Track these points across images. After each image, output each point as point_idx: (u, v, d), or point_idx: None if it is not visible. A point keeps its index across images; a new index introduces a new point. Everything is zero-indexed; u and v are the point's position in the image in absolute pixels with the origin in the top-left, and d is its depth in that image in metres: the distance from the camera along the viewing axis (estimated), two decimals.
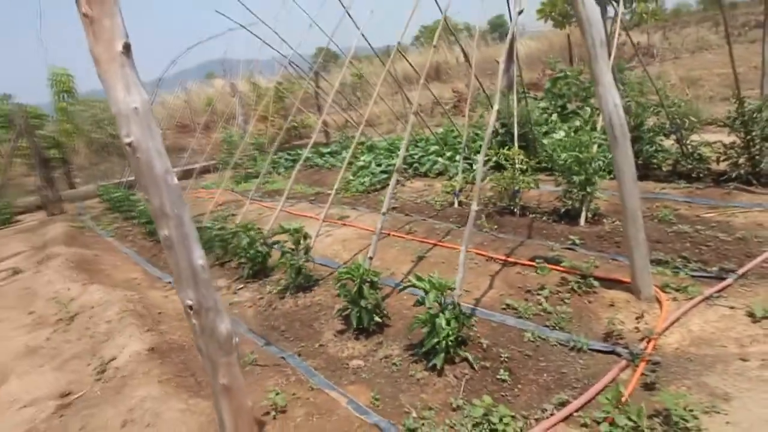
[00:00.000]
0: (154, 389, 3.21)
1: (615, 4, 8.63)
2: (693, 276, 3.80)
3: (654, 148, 6.65)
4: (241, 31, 9.43)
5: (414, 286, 3.27)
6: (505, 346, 3.25)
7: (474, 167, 7.60)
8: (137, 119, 1.58)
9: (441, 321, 3.05)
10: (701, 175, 6.18)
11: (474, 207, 3.47)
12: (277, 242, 5.12)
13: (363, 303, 3.58)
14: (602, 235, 4.79)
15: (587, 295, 3.70)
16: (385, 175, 8.35)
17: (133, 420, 2.98)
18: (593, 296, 3.67)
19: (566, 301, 3.66)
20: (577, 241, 4.71)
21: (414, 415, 2.74)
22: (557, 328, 3.35)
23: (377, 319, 3.65)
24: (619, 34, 6.48)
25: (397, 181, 8.26)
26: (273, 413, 2.87)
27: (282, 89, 14.99)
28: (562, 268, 4.04)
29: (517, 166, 5.70)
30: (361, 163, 9.03)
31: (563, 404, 2.64)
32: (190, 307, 1.70)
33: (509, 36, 7.69)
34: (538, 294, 3.79)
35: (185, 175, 11.30)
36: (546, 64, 13.44)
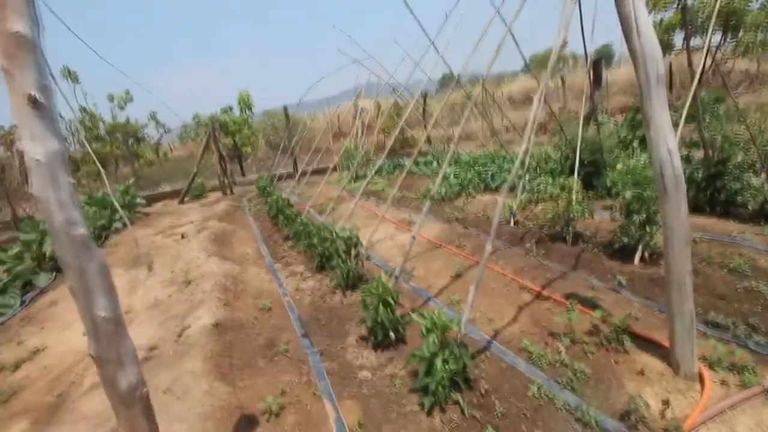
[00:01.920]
0: (197, 364, 3.00)
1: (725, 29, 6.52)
2: (755, 353, 2.49)
3: (740, 185, 4.84)
4: (365, 62, 9.13)
5: (417, 320, 2.56)
6: (505, 396, 2.40)
7: (540, 187, 6.36)
8: (39, 171, 1.19)
9: (437, 363, 2.33)
10: None
11: (489, 248, 2.59)
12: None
13: (379, 319, 2.96)
14: (655, 279, 3.49)
15: (616, 353, 2.62)
16: (459, 187, 7.44)
17: (171, 390, 2.78)
18: (622, 357, 2.59)
19: (590, 355, 2.63)
20: (624, 282, 3.50)
21: None
22: (569, 387, 2.39)
23: (392, 336, 3.01)
24: (710, 66, 4.75)
25: (468, 194, 7.35)
26: (267, 415, 2.45)
27: (395, 109, 14.56)
28: (593, 313, 2.97)
29: (573, 196, 4.49)
30: (443, 173, 8.20)
31: None
32: (92, 357, 1.27)
33: (588, 63, 6.26)
34: (561, 340, 2.80)
35: (320, 171, 11.62)
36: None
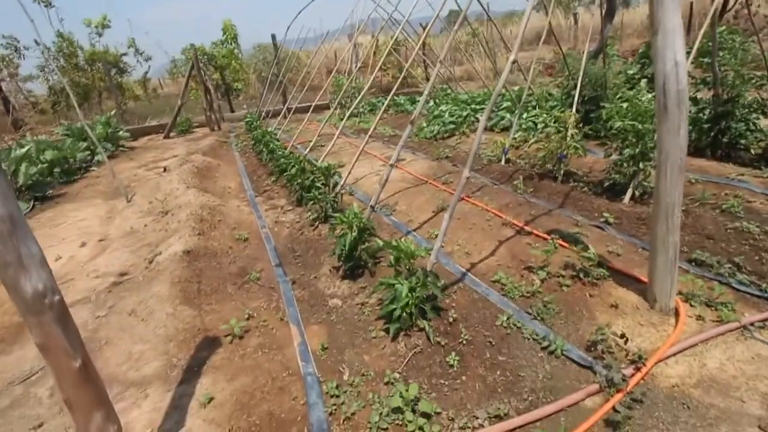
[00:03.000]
0: (164, 289, 2.91)
1: None
2: (737, 291, 2.40)
3: (746, 126, 4.55)
4: None
5: (385, 248, 2.42)
6: (473, 325, 2.34)
7: (538, 126, 6.04)
8: None
9: (402, 289, 2.23)
10: None
11: (466, 173, 2.39)
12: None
13: (349, 247, 2.84)
14: (643, 218, 3.34)
15: (592, 287, 2.53)
16: (453, 126, 7.08)
17: (136, 312, 2.72)
18: (597, 290, 2.50)
19: (564, 288, 2.54)
20: (611, 220, 3.35)
21: (345, 377, 2.06)
22: (539, 318, 2.32)
23: (363, 264, 2.90)
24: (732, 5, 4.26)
25: (463, 133, 7.02)
26: (230, 337, 2.39)
27: (395, 44, 13.58)
28: (571, 248, 2.85)
29: (569, 131, 4.22)
30: (437, 112, 7.78)
31: (499, 418, 1.75)
32: None
33: None
34: (537, 273, 2.70)
35: (314, 109, 11.06)
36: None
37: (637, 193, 3.68)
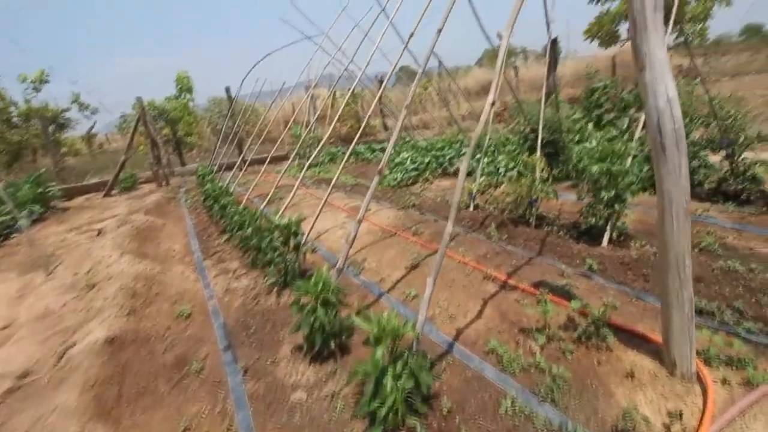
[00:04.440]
0: (72, 397, 2.23)
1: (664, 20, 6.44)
2: (750, 343, 2.16)
3: (698, 163, 4.70)
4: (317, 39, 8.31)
5: (362, 326, 1.97)
6: (472, 416, 1.88)
7: (500, 171, 6.00)
8: None
9: (387, 381, 1.76)
10: (752, 197, 4.23)
11: (449, 228, 2.05)
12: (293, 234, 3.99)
13: (317, 324, 2.35)
14: (627, 263, 3.14)
15: (598, 351, 2.19)
16: (415, 173, 6.94)
17: None
18: (606, 355, 2.16)
19: (568, 355, 2.18)
20: (595, 267, 3.12)
21: None
22: (549, 399, 1.92)
23: (334, 344, 2.41)
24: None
25: (426, 179, 6.87)
26: None
27: (352, 98, 13.84)
28: (570, 304, 2.53)
29: (537, 174, 4.10)
30: (398, 160, 7.66)
31: None
32: None
33: (547, 48, 5.96)
34: (534, 338, 2.34)
35: (271, 160, 10.64)
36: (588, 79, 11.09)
37: (614, 236, 3.53)
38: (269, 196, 5.92)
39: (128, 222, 6.27)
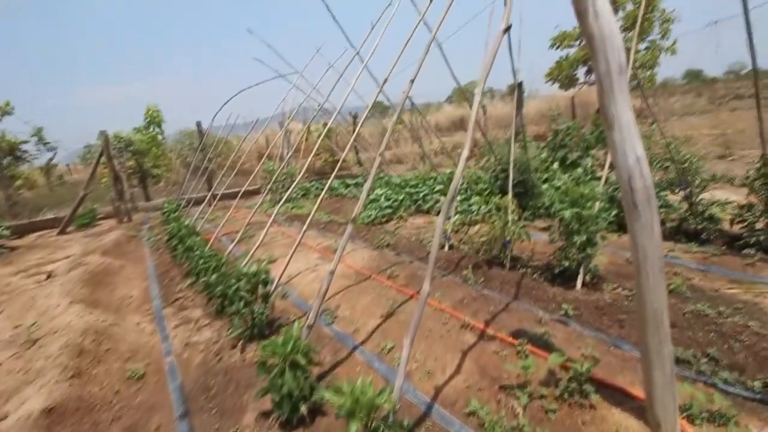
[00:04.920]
0: None
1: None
2: (728, 394, 2.13)
3: (659, 203, 4.90)
4: (290, 77, 8.39)
5: (335, 400, 1.80)
6: None
7: (473, 208, 6.05)
8: None
9: None
10: (711, 236, 4.41)
11: (426, 287, 1.96)
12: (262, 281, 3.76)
13: (285, 390, 2.15)
14: (601, 307, 3.14)
15: (582, 409, 2.10)
16: (390, 210, 6.91)
17: None
18: (590, 414, 2.07)
19: (551, 415, 2.08)
20: (571, 312, 3.09)
21: None
22: None
23: (304, 410, 2.20)
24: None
25: (400, 217, 6.84)
26: None
27: (326, 132, 13.95)
28: (550, 357, 2.45)
29: (509, 216, 4.13)
30: (372, 197, 7.63)
31: None
32: None
33: (515, 88, 6.24)
34: (516, 396, 2.23)
35: (243, 195, 10.35)
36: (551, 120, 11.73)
37: (587, 279, 3.54)
38: (239, 235, 5.69)
39: (82, 264, 5.83)
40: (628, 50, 5.64)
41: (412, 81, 3.15)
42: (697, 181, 4.56)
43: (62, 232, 9.15)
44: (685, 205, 4.72)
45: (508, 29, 2.03)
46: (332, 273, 2.83)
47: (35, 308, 4.40)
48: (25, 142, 13.36)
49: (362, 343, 3.01)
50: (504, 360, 2.58)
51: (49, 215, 11.07)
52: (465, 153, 2.08)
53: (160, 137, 13.98)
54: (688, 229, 4.63)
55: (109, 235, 8.15)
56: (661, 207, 4.88)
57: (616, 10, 12.45)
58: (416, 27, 3.89)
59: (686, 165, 4.45)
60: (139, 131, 14.11)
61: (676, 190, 4.72)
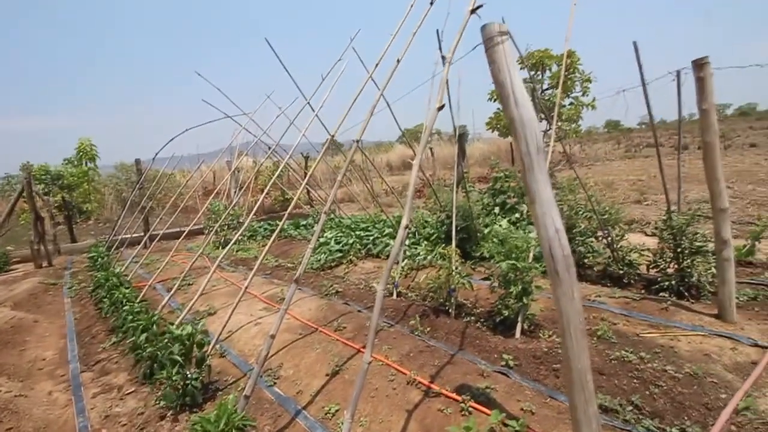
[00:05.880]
0: None
1: (549, 119, 7.79)
2: None
3: (585, 249, 5.35)
4: (238, 119, 8.31)
5: None
6: None
7: (420, 255, 6.19)
8: None
9: None
10: (632, 280, 4.86)
11: (367, 357, 1.96)
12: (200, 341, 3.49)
13: None
14: (539, 356, 3.29)
15: None
16: (340, 254, 6.87)
17: None
18: None
19: None
20: (511, 363, 3.20)
21: None
22: None
23: None
24: (553, 144, 5.39)
25: (350, 261, 6.82)
26: None
27: (275, 169, 13.82)
28: (491, 416, 2.50)
29: (453, 266, 4.29)
30: (322, 240, 7.58)
31: None
32: None
33: (455, 143, 6.67)
34: None
35: (186, 235, 9.77)
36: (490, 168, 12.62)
37: (526, 327, 3.72)
38: (178, 283, 5.33)
39: None
40: (554, 104, 6.38)
41: (357, 141, 3.28)
42: (616, 231, 5.07)
43: None
44: (608, 252, 5.20)
45: (441, 107, 2.22)
46: (273, 337, 2.72)
47: None
48: None
49: (305, 407, 2.87)
50: (448, 418, 2.58)
51: None
52: (404, 222, 2.17)
53: (92, 172, 13.01)
54: (612, 274, 5.08)
55: (23, 284, 7.26)
56: (587, 253, 5.34)
57: (543, 71, 14.01)
58: (364, 85, 4.10)
59: (606, 215, 4.93)
60: (68, 163, 13.07)
61: (599, 238, 5.19)
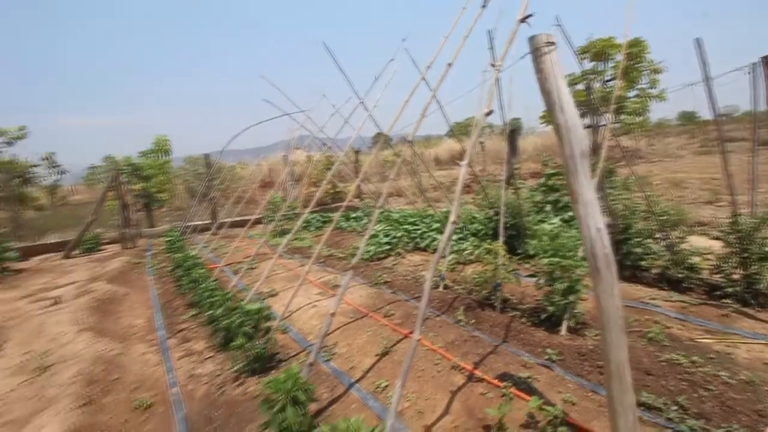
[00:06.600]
0: None
1: (605, 114, 7.47)
2: None
3: (643, 250, 5.18)
4: (295, 115, 8.92)
5: None
6: None
7: (467, 250, 6.32)
8: None
9: None
10: (692, 285, 4.66)
11: (416, 335, 2.22)
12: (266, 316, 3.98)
13: (286, 425, 2.35)
14: (584, 353, 3.36)
15: None
16: (388, 247, 7.19)
17: None
18: None
19: None
20: (555, 357, 3.31)
21: None
22: None
23: None
24: (609, 139, 5.25)
25: (398, 253, 7.11)
26: None
27: (327, 163, 14.44)
28: (530, 401, 2.66)
29: (499, 261, 4.41)
30: (372, 232, 7.92)
31: None
32: None
33: (506, 132, 6.66)
34: None
35: (243, 223, 10.66)
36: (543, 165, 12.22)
37: (571, 324, 3.77)
38: (244, 268, 5.93)
39: (89, 291, 6.05)
40: (615, 97, 6.20)
41: (411, 142, 3.52)
42: (677, 232, 4.87)
43: (67, 256, 9.38)
44: (667, 254, 5.00)
45: (489, 113, 2.39)
46: (333, 315, 3.07)
47: (44, 335, 4.59)
48: (36, 165, 13.82)
49: (358, 381, 3.21)
50: (489, 401, 2.78)
51: (53, 238, 11.33)
52: (452, 218, 2.38)
53: (167, 165, 14.44)
54: (671, 277, 4.89)
55: (113, 262, 8.38)
56: (645, 255, 5.17)
57: (606, 60, 13.25)
58: (416, 86, 4.32)
59: (665, 217, 4.76)
60: (145, 156, 14.59)
61: (658, 239, 5.02)
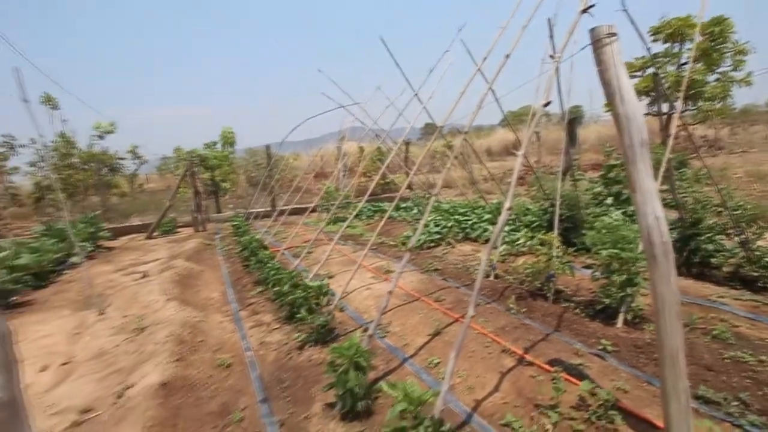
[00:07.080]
0: None
1: (676, 100, 6.96)
2: None
3: (714, 247, 4.89)
4: (350, 108, 9.30)
5: (391, 393, 2.27)
6: None
7: (520, 241, 6.30)
8: None
9: None
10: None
11: (471, 312, 2.40)
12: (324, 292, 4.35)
13: (349, 385, 2.65)
14: (640, 346, 3.33)
15: None
16: (438, 236, 7.33)
17: None
18: None
19: None
20: (609, 348, 3.32)
21: None
22: None
23: (361, 406, 2.68)
24: (679, 128, 4.96)
25: (448, 243, 7.23)
26: None
27: (378, 154, 14.73)
28: (581, 384, 2.74)
29: (553, 252, 4.41)
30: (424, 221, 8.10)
31: None
32: None
33: (565, 121, 6.48)
34: (548, 415, 2.55)
35: (299, 211, 11.33)
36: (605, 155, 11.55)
37: (628, 318, 3.73)
38: (304, 252, 6.38)
39: (171, 267, 6.84)
40: (691, 81, 5.81)
41: (466, 133, 3.64)
42: (753, 228, 4.54)
43: (149, 237, 10.57)
44: (742, 251, 4.69)
45: (547, 104, 2.47)
46: (390, 293, 3.33)
47: (138, 302, 5.33)
48: (122, 159, 15.54)
49: (411, 356, 3.45)
50: (539, 384, 2.89)
51: (136, 221, 12.77)
52: (507, 204, 2.51)
53: (231, 156, 15.57)
54: (745, 276, 4.59)
55: (188, 243, 9.33)
56: (716, 251, 4.87)
57: (682, 42, 12.18)
58: (471, 78, 4.40)
59: (740, 211, 4.46)
60: (210, 147, 15.84)
61: (731, 235, 4.71)
